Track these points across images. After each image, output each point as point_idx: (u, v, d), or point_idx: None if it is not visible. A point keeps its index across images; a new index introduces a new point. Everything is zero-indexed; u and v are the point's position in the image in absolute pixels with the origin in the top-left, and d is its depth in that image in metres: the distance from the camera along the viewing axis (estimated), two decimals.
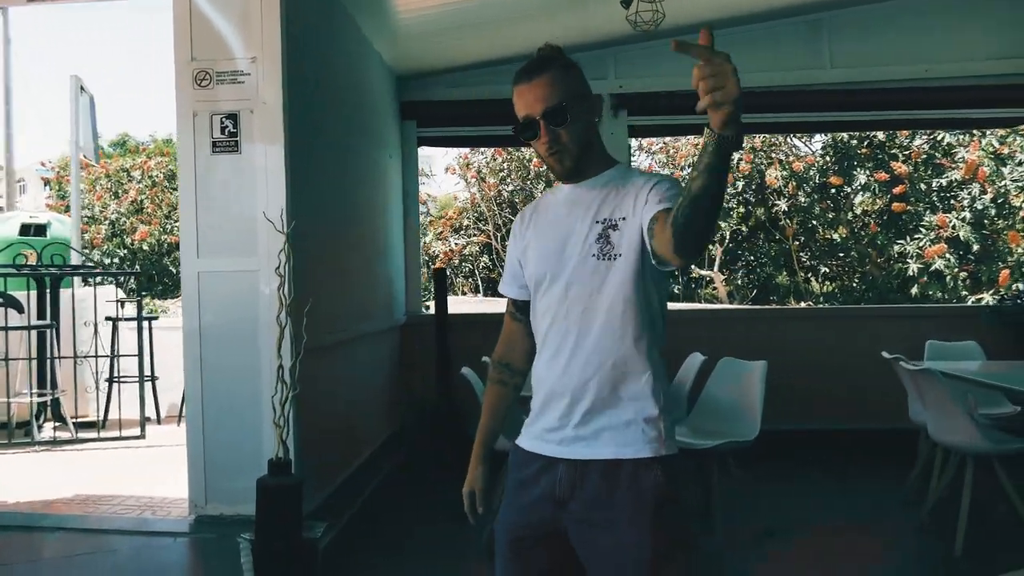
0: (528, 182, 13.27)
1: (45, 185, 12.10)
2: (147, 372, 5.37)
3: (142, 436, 5.04)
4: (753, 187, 12.38)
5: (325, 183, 4.11)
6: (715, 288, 13.24)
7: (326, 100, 4.15)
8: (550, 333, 1.64)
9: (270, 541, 3.08)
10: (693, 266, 13.20)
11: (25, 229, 10.72)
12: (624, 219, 1.58)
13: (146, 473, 4.12)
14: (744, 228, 12.98)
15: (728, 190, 10.39)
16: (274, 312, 3.18)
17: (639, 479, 1.54)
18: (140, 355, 5.22)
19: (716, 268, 12.95)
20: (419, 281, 6.26)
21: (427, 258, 14.02)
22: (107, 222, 14.68)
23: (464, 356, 4.67)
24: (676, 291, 13.30)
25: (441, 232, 14.32)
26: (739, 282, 13.20)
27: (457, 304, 13.09)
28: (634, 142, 13.19)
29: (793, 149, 12.68)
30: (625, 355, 1.58)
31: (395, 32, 5.26)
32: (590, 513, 1.55)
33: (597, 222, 1.60)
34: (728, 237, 12.79)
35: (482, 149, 13.08)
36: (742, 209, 12.70)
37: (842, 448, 5.37)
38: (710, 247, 12.99)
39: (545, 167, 1.83)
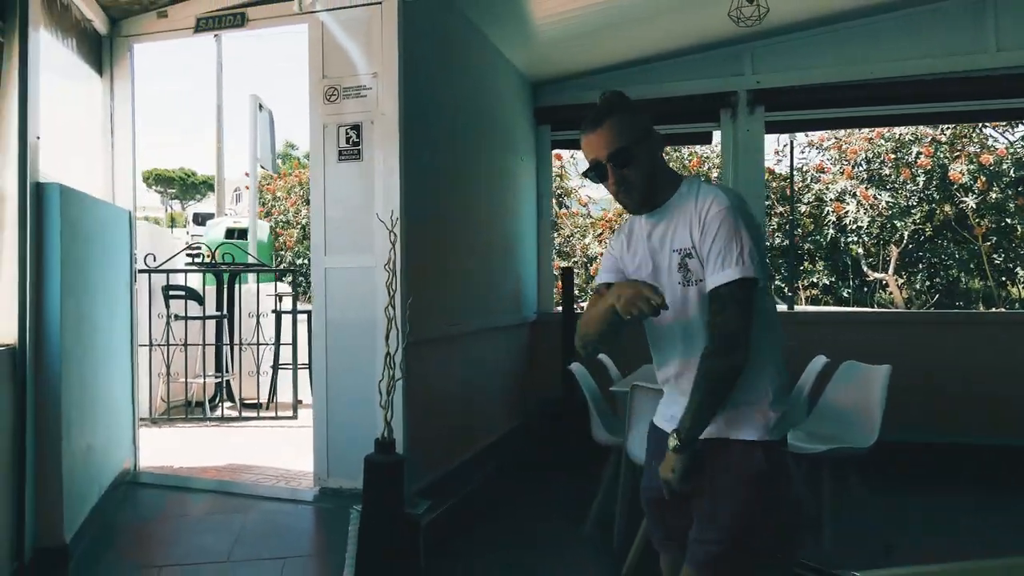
0: None
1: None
2: (303, 360, 5.93)
3: (294, 416, 5.60)
4: (935, 183, 11.41)
5: (444, 187, 4.38)
6: (890, 292, 12.34)
7: (448, 110, 4.43)
8: (658, 344, 1.95)
9: (375, 512, 3.37)
10: (866, 269, 12.39)
11: (230, 233, 12.04)
12: (694, 247, 1.79)
13: (290, 449, 4.58)
14: (927, 228, 12.00)
15: (908, 187, 9.71)
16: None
17: (734, 454, 1.81)
18: (294, 344, 5.81)
19: (891, 271, 12.06)
20: (551, 280, 6.44)
21: (585, 259, 14.16)
22: (299, 226, 16.12)
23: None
24: (847, 295, 12.52)
25: (601, 234, 14.38)
26: (918, 286, 12.20)
27: None
28: (803, 137, 12.63)
29: (986, 140, 11.56)
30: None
31: (529, 41, 5.46)
32: (700, 483, 1.82)
33: (674, 251, 1.82)
34: (906, 238, 11.87)
35: None
36: (924, 207, 11.75)
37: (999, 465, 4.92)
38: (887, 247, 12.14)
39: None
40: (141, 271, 5.27)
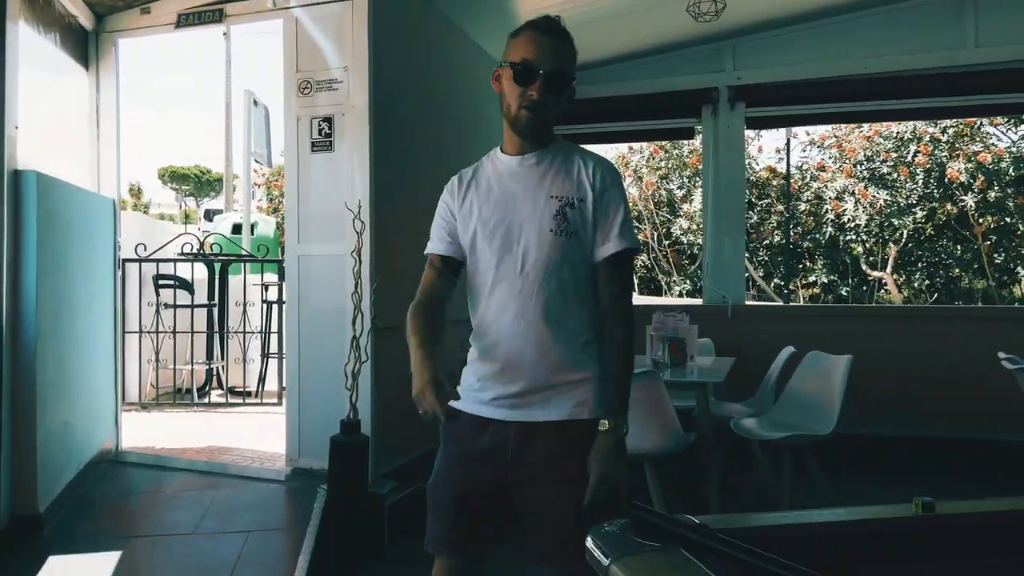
0: (688, 180, 13.12)
1: (256, 189, 13.85)
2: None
3: (279, 403, 5.74)
4: (932, 181, 11.42)
5: (421, 178, 4.49)
6: (888, 291, 12.35)
7: (423, 103, 4.54)
8: (503, 302, 1.71)
9: (339, 490, 3.50)
10: (865, 267, 12.41)
11: (236, 227, 12.20)
12: (582, 200, 1.71)
13: (272, 434, 4.71)
14: (927, 227, 12.01)
15: (907, 186, 9.73)
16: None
17: (589, 435, 1.67)
18: (280, 333, 5.96)
19: (889, 270, 12.08)
20: None
21: None
22: None
23: None
24: (844, 292, 12.54)
25: None
26: (916, 285, 12.21)
27: None
28: (804, 135, 12.67)
29: (987, 139, 11.55)
30: (575, 324, 1.72)
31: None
32: (540, 470, 1.68)
33: (552, 197, 1.71)
34: (906, 236, 11.88)
35: (639, 147, 13.10)
36: (925, 206, 11.75)
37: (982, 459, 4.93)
38: (885, 246, 12.15)
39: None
40: (130, 260, 5.43)
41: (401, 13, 4.18)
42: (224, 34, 18.34)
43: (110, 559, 2.98)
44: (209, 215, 25.19)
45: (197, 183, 43.53)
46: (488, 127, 5.65)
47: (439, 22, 4.78)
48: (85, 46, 4.23)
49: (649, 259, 13.86)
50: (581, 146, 1.83)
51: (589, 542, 1.12)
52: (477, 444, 1.74)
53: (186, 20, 4.15)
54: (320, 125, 3.94)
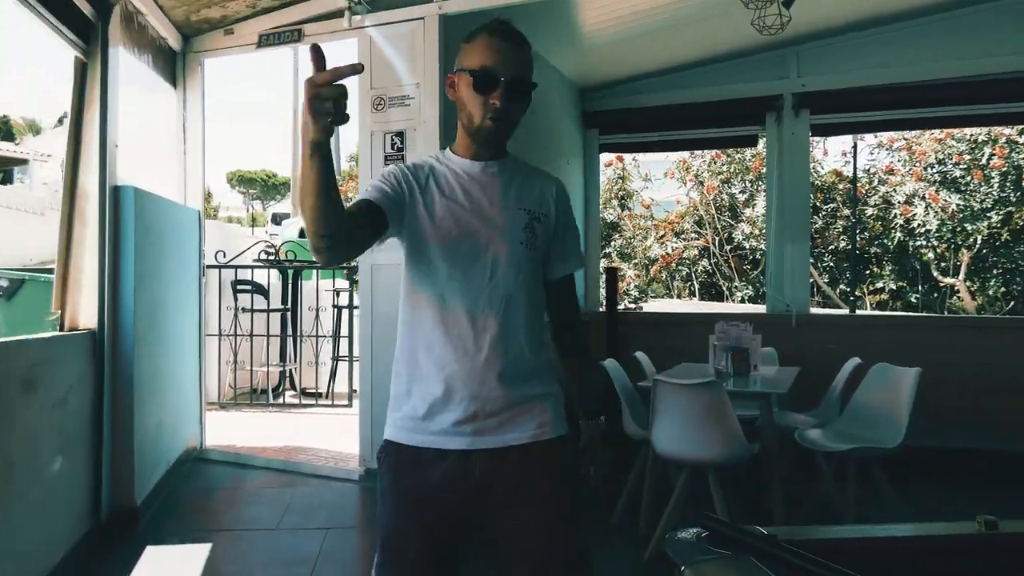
0: (751, 184, 12.97)
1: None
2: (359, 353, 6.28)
3: (349, 405, 5.94)
4: (1009, 184, 11.05)
5: None
6: (960, 298, 11.99)
7: None
8: (462, 314, 1.57)
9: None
10: (936, 273, 12.07)
11: (303, 232, 12.55)
12: (546, 215, 1.68)
13: (343, 435, 4.91)
14: (1003, 232, 11.61)
15: (982, 189, 9.48)
16: None
17: (559, 455, 1.63)
18: (350, 337, 6.17)
19: (962, 277, 11.72)
20: (597, 280, 6.61)
21: (646, 261, 14.22)
22: None
23: (632, 350, 4.95)
24: (914, 299, 12.22)
25: (663, 235, 14.43)
26: (991, 292, 11.82)
27: (674, 306, 13.17)
28: (872, 138, 12.39)
29: None
30: (539, 340, 1.65)
31: (575, 49, 5.67)
32: (512, 495, 1.58)
33: (521, 209, 1.64)
34: (980, 242, 11.52)
35: (701, 151, 13.02)
36: (1000, 210, 11.37)
37: None
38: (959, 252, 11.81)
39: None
40: (211, 266, 5.70)
41: (470, 28, 4.31)
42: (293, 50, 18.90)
43: (201, 550, 3.19)
44: (277, 219, 25.95)
45: (264, 187, 44.82)
46: (552, 139, 5.77)
47: None
48: (173, 66, 4.49)
49: (710, 264, 13.75)
50: (525, 162, 1.77)
51: (667, 548, 1.21)
52: (430, 479, 1.56)
53: (267, 40, 4.37)
54: (393, 139, 4.11)
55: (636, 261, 14.14)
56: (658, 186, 15.54)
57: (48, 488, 2.86)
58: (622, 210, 14.26)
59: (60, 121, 49.95)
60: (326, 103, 1.20)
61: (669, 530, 3.58)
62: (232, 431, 5.12)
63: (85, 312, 3.35)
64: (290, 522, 3.52)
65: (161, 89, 4.37)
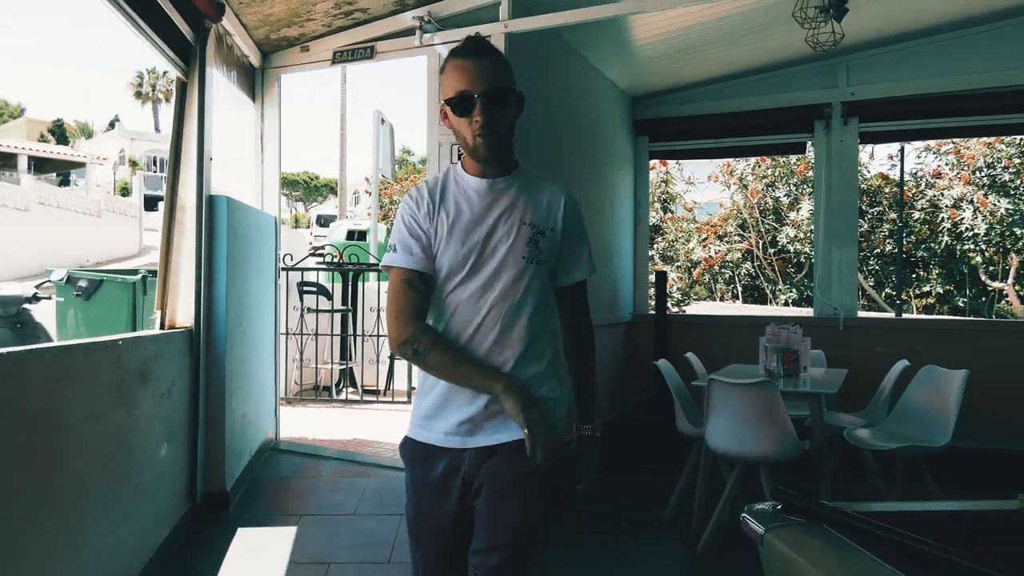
0: (795, 187, 13.02)
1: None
2: None
3: (408, 401, 6.22)
4: None
5: None
6: (1009, 302, 11.90)
7: (550, 127, 4.90)
8: (465, 324, 1.69)
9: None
10: (984, 277, 12.00)
11: (350, 234, 12.92)
12: (552, 229, 1.74)
13: (403, 428, 5.17)
14: None
15: None
16: None
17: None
18: None
19: (1011, 281, 11.65)
20: (646, 282, 6.79)
21: (689, 263, 14.33)
22: None
23: (679, 352, 5.14)
24: (961, 303, 12.16)
25: (706, 238, 14.53)
26: None
27: (717, 309, 13.28)
28: (919, 143, 12.34)
29: None
30: (536, 348, 1.73)
31: (627, 60, 5.87)
32: (491, 482, 1.69)
33: (525, 224, 1.71)
34: None
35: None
36: None
37: None
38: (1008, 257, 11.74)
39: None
40: (280, 269, 6.03)
41: (533, 45, 4.53)
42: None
43: (288, 532, 3.47)
44: (322, 220, 26.52)
45: (306, 189, 45.68)
46: (605, 146, 5.98)
47: (564, 51, 5.13)
48: (253, 81, 4.80)
49: (753, 267, 13.82)
50: (541, 172, 1.86)
51: (743, 517, 1.42)
52: (433, 473, 1.74)
53: (341, 56, 4.65)
54: (459, 151, 4.34)
55: (679, 264, 14.25)
56: (701, 189, 15.62)
57: (157, 471, 3.16)
58: (665, 213, 14.40)
59: (111, 124, 51.51)
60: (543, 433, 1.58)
61: (722, 523, 3.79)
62: (301, 424, 5.42)
63: (182, 312, 3.65)
64: (366, 508, 3.79)
65: (242, 103, 4.68)
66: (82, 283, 6.91)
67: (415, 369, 1.80)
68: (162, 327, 3.61)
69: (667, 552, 3.92)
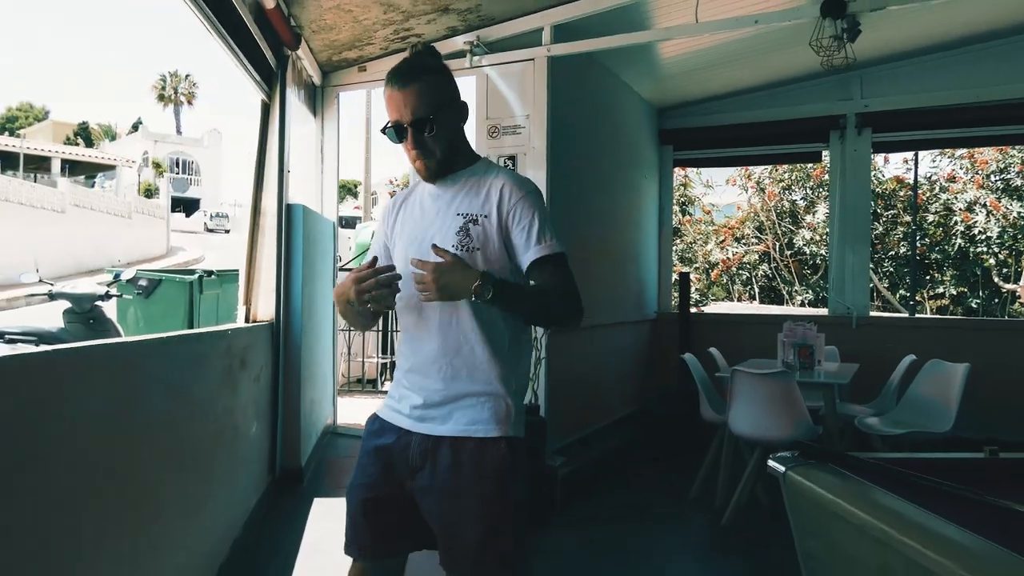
0: (812, 191, 13.36)
1: (391, 198, 15.18)
2: None
3: None
4: None
5: (582, 202, 5.30)
6: (1023, 303, 12.20)
7: (584, 139, 5.34)
8: (411, 317, 1.79)
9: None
10: (997, 280, 12.31)
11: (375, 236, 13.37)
12: (486, 216, 1.75)
13: None
14: None
15: None
16: None
17: (486, 454, 1.72)
18: None
19: (1023, 282, 11.95)
20: (669, 282, 7.21)
21: (707, 265, 14.71)
22: None
23: (701, 348, 5.55)
24: (975, 305, 12.47)
25: (723, 240, 14.89)
26: None
27: (734, 309, 13.64)
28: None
29: None
30: (476, 342, 1.74)
31: (654, 75, 6.30)
32: (438, 483, 1.72)
33: (458, 215, 1.76)
34: None
35: None
36: None
37: None
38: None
39: None
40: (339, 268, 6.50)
41: (572, 67, 4.97)
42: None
43: None
44: (343, 222, 27.00)
45: None
46: (633, 155, 6.41)
47: (599, 71, 5.57)
48: (315, 98, 5.26)
49: (770, 269, 14.18)
50: (501, 165, 1.95)
51: (768, 462, 1.84)
52: (381, 445, 1.81)
53: None
54: (505, 162, 4.79)
55: (696, 265, 14.62)
56: (719, 192, 15.97)
57: (249, 447, 3.62)
58: (683, 216, 14.77)
59: (135, 127, 52.43)
60: (365, 295, 1.63)
61: (743, 502, 4.21)
62: (351, 412, 5.89)
63: (264, 307, 4.12)
64: None
65: (306, 119, 5.14)
66: (142, 282, 7.43)
67: None
68: (247, 320, 4.07)
69: (692, 526, 4.34)
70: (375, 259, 1.76)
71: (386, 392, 7.11)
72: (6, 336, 5.45)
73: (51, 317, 6.25)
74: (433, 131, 1.72)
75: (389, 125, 1.75)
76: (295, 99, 4.58)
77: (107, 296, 6.17)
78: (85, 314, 5.98)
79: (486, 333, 1.74)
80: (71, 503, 1.74)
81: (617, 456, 5.39)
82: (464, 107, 1.83)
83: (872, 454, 1.92)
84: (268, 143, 4.10)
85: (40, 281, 6.09)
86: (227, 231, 40.34)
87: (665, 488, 4.94)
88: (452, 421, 1.73)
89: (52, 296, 5.88)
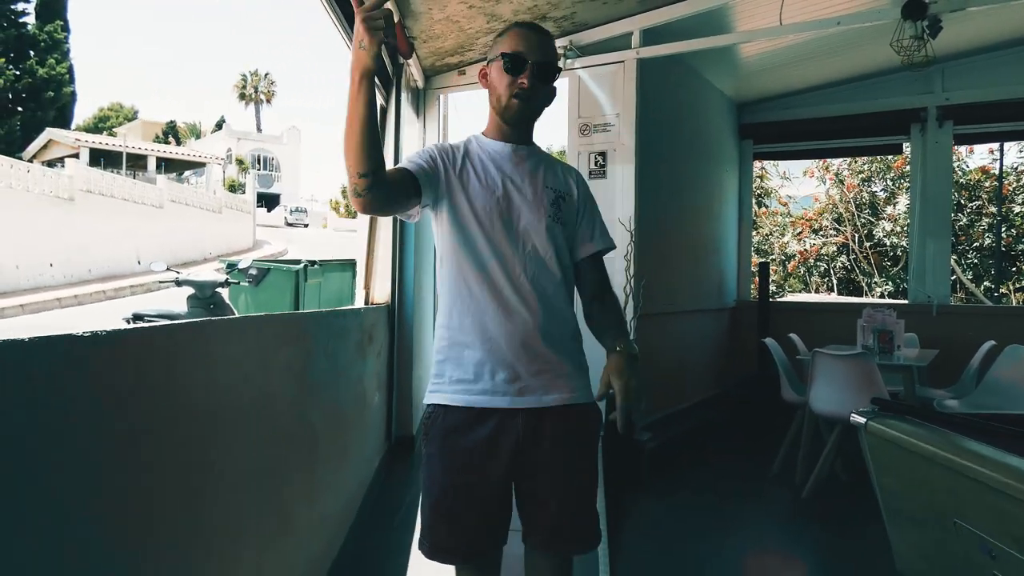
0: (892, 182, 13.25)
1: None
2: None
3: None
4: None
5: (665, 195, 5.60)
6: None
7: (669, 135, 5.64)
8: (498, 282, 1.71)
9: (613, 439, 4.67)
10: None
11: None
12: (570, 195, 1.84)
13: None
14: None
15: None
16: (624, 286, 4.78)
17: (588, 420, 1.78)
18: None
19: None
20: (749, 273, 7.44)
21: (783, 256, 14.71)
22: None
23: (780, 335, 5.80)
24: None
25: (800, 232, 14.85)
26: None
27: (812, 300, 13.62)
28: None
29: None
30: (567, 310, 1.80)
31: (735, 72, 6.54)
32: (548, 456, 1.72)
33: (548, 187, 1.79)
34: None
35: None
36: None
37: None
38: None
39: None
40: None
41: (658, 66, 5.27)
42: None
43: None
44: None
45: None
46: (714, 149, 6.66)
47: (683, 69, 5.86)
48: (418, 101, 5.70)
49: (848, 260, 14.10)
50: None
51: (851, 416, 2.15)
52: (478, 436, 1.70)
53: None
54: (596, 158, 5.14)
55: (773, 257, 14.65)
56: (797, 184, 15.91)
57: (372, 416, 4.07)
58: (759, 208, 14.79)
59: (219, 125, 54.63)
60: (377, 21, 1.45)
61: (823, 476, 4.47)
62: None
63: (380, 291, 4.58)
64: None
65: (411, 120, 5.58)
66: (253, 271, 8.06)
67: None
68: (366, 303, 4.54)
69: (774, 499, 4.62)
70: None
71: None
72: (145, 318, 6.10)
73: (158, 303, 6.85)
74: (550, 80, 1.77)
75: (511, 53, 1.72)
76: (405, 103, 5.02)
77: (226, 283, 6.77)
78: (207, 299, 6.59)
79: (564, 299, 1.78)
80: (270, 439, 2.18)
81: (699, 435, 5.69)
82: (555, 92, 1.86)
83: (948, 411, 2.21)
84: (383, 146, 4.54)
85: (167, 269, 6.70)
86: (306, 225, 41.77)
87: (747, 466, 5.22)
88: (557, 389, 1.72)
89: (179, 283, 6.48)
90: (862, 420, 2.10)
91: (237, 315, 6.77)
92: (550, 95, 1.81)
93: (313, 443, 2.65)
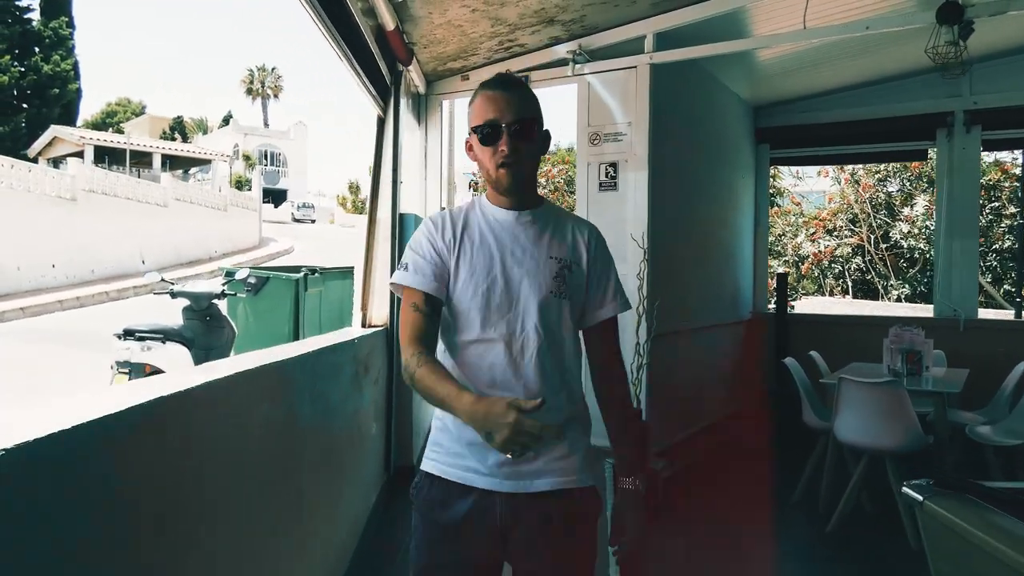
0: (909, 183, 12.92)
1: (470, 188, 15.41)
2: None
3: None
4: None
5: (678, 208, 5.33)
6: None
7: (683, 142, 5.36)
8: (494, 362, 1.63)
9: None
10: None
11: None
12: (577, 264, 1.71)
13: None
14: None
15: None
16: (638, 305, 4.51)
17: (585, 504, 1.69)
18: None
19: None
20: (765, 283, 7.16)
21: (797, 258, 14.39)
22: None
23: (798, 349, 5.53)
24: None
25: (814, 233, 14.52)
26: None
27: (825, 305, 13.33)
28: None
29: None
30: (571, 389, 1.70)
31: (751, 75, 6.25)
32: (534, 542, 1.64)
33: (552, 258, 1.68)
34: None
35: None
36: None
37: None
38: None
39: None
40: None
41: (672, 71, 4.99)
42: None
43: None
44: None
45: None
46: (730, 154, 6.38)
47: (698, 73, 5.58)
48: (419, 107, 5.44)
49: (863, 262, 13.78)
50: (564, 208, 1.88)
51: (904, 489, 1.89)
52: (460, 511, 1.65)
53: None
54: (607, 169, 4.87)
55: (785, 259, 14.33)
56: (809, 182, 15.57)
57: (371, 445, 3.83)
58: (770, 207, 14.46)
59: (225, 120, 54.53)
60: (523, 438, 1.31)
61: (847, 511, 4.20)
62: None
63: (377, 312, 4.33)
64: None
65: (412, 127, 5.33)
66: (251, 280, 7.81)
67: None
68: (363, 325, 4.29)
69: (797, 531, 4.36)
70: (542, 401, 1.34)
71: None
72: (136, 334, 5.86)
73: (155, 306, 6.64)
74: (532, 137, 1.66)
75: (482, 124, 1.64)
76: (404, 110, 4.76)
77: (223, 295, 6.54)
78: (203, 311, 6.35)
79: (566, 378, 1.69)
80: (247, 508, 1.94)
81: (715, 460, 5.43)
82: (548, 137, 1.75)
83: (1006, 484, 1.94)
84: (383, 156, 4.30)
85: (162, 280, 6.46)
86: (313, 221, 41.62)
87: (767, 491, 4.96)
88: (546, 475, 1.64)
89: (174, 295, 6.24)
90: (919, 498, 1.83)
91: (233, 326, 6.55)
92: (542, 146, 1.72)
93: (298, 500, 2.41)
